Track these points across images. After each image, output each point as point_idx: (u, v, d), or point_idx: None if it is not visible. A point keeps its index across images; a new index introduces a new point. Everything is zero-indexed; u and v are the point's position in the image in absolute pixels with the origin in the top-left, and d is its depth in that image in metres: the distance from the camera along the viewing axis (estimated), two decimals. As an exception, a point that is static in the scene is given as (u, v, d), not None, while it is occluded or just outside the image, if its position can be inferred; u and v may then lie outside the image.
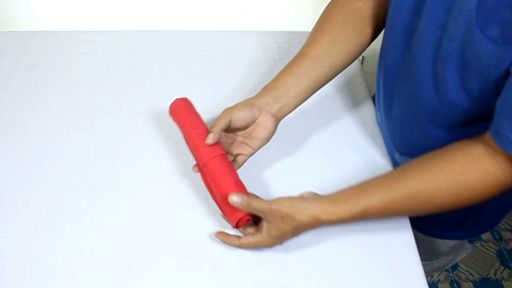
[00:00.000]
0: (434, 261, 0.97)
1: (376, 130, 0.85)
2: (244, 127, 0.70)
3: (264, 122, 0.69)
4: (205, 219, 0.72)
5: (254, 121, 0.69)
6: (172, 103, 0.75)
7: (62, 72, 0.96)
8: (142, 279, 0.65)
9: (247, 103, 0.69)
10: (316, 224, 0.62)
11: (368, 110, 0.89)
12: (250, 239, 0.64)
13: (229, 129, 0.69)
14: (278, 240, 0.64)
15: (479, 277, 1.52)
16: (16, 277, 0.65)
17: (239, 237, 0.66)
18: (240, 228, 0.67)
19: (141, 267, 0.66)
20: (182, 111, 0.73)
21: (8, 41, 1.03)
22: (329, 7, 0.76)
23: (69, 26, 1.08)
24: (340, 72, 0.74)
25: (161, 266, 0.66)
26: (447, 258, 0.97)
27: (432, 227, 0.86)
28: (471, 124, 0.64)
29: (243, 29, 1.09)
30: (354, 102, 0.91)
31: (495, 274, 1.53)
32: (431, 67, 0.61)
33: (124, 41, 1.03)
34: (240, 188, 0.66)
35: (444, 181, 0.59)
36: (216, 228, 0.70)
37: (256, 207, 0.61)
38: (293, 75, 0.70)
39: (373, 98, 0.93)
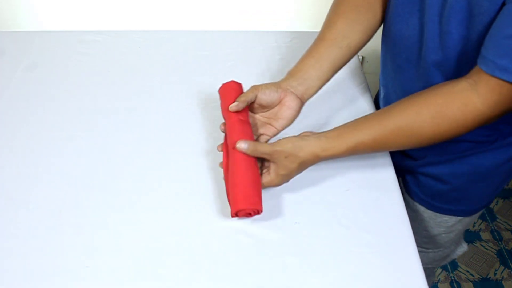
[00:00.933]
0: (430, 250, 0.97)
1: (376, 130, 0.85)
2: (269, 106, 0.73)
3: (290, 102, 0.72)
4: (205, 219, 0.72)
5: (280, 102, 0.73)
6: (227, 83, 0.76)
7: (62, 72, 0.96)
8: (142, 279, 0.65)
9: (274, 83, 0.73)
10: (316, 159, 0.67)
11: (369, 110, 0.89)
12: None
13: (254, 107, 0.74)
14: (285, 177, 0.68)
15: (479, 277, 1.52)
16: (16, 277, 0.65)
17: None
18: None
19: (141, 267, 0.66)
20: (233, 94, 0.74)
21: (8, 41, 1.03)
22: None
23: (69, 26, 1.08)
24: (357, 51, 0.78)
25: (161, 266, 0.66)
26: (443, 251, 0.98)
27: (429, 197, 0.88)
28: None
29: (243, 29, 1.09)
30: (354, 102, 0.91)
31: (495, 274, 1.53)
32: (437, 26, 0.65)
33: (124, 41, 1.03)
34: (256, 183, 0.68)
35: (427, 113, 0.63)
36: (216, 228, 0.70)
37: (262, 150, 0.67)
38: (313, 58, 0.75)
39: (376, 97, 0.94)
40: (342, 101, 0.91)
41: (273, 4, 1.07)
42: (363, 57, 1.33)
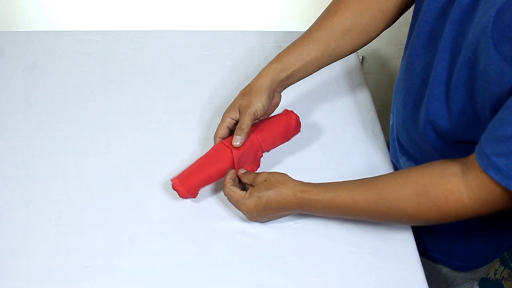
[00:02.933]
0: None
1: (376, 130, 0.85)
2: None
3: (276, 101, 0.74)
4: (205, 219, 0.72)
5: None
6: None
7: (62, 72, 0.96)
8: (142, 279, 0.65)
9: (262, 91, 0.70)
10: (293, 198, 0.65)
11: (368, 110, 0.89)
12: (236, 190, 0.68)
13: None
14: (257, 201, 0.66)
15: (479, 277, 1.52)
16: (16, 277, 0.65)
17: (232, 183, 0.69)
18: (231, 185, 0.69)
19: (141, 267, 0.66)
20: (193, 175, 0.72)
21: (8, 41, 1.03)
22: None
23: (69, 26, 1.08)
24: (341, 59, 0.76)
25: (161, 266, 0.66)
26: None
27: (435, 251, 0.83)
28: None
29: (243, 29, 1.09)
30: (354, 102, 0.91)
31: (495, 274, 1.53)
32: (445, 74, 0.60)
33: (124, 41, 1.03)
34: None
35: (411, 188, 0.59)
36: (216, 228, 0.70)
37: (251, 175, 0.69)
38: (302, 61, 0.72)
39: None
40: (342, 101, 0.91)
41: (273, 4, 1.07)
42: (363, 57, 1.33)
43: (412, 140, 0.73)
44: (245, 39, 1.05)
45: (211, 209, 0.73)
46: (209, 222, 0.71)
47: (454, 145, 0.64)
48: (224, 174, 0.71)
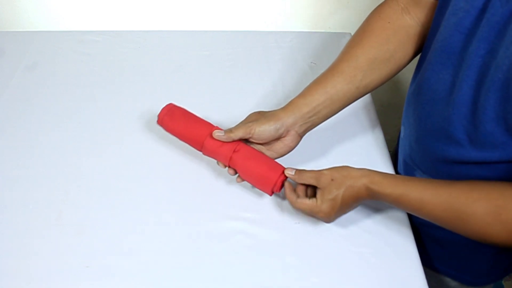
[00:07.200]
0: None
1: (376, 130, 0.85)
2: (265, 143, 0.69)
3: (289, 141, 0.69)
4: (205, 219, 0.72)
5: (279, 139, 0.69)
6: (161, 114, 0.74)
7: (62, 72, 0.96)
8: (142, 279, 0.65)
9: (275, 119, 0.67)
10: (364, 193, 0.62)
11: (368, 110, 0.89)
12: (305, 201, 0.65)
13: (250, 140, 0.70)
14: (332, 204, 0.63)
15: (479, 277, 1.51)
16: (16, 277, 0.65)
17: (296, 196, 0.66)
18: (297, 198, 0.67)
19: (141, 267, 0.66)
20: (178, 118, 0.73)
21: (8, 41, 1.03)
22: (373, 18, 0.70)
23: (69, 26, 1.08)
24: (373, 90, 0.72)
25: (161, 266, 0.66)
26: None
27: (443, 264, 0.81)
28: (503, 163, 0.58)
29: (243, 29, 1.09)
30: (354, 102, 0.91)
31: (495, 274, 1.52)
32: (471, 93, 0.57)
33: (124, 41, 1.03)
34: (273, 162, 0.69)
35: (483, 206, 0.55)
36: (217, 229, 0.70)
37: (308, 175, 0.65)
38: (326, 94, 0.67)
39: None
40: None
41: (274, 4, 1.07)
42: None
43: (427, 157, 0.70)
44: (245, 39, 1.05)
45: (211, 209, 0.73)
46: (209, 222, 0.71)
47: (476, 166, 0.62)
48: (192, 140, 0.71)
